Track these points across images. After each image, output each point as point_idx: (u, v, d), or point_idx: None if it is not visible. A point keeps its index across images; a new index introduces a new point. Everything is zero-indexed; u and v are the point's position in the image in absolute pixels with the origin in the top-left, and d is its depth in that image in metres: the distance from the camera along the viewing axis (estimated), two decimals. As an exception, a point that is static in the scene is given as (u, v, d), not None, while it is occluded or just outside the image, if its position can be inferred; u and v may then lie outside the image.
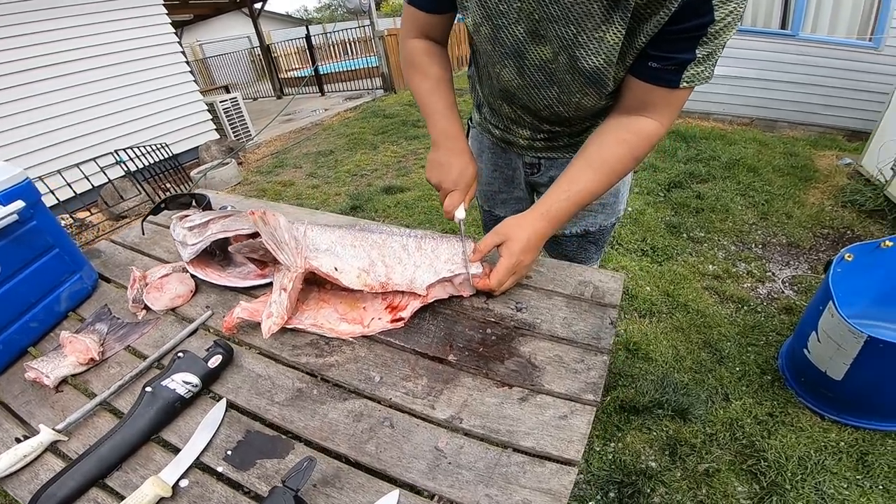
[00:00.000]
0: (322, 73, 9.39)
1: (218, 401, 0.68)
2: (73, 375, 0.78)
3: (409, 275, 0.80)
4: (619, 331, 2.01)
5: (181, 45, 5.22)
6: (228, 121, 5.88)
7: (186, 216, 0.99)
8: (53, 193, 3.62)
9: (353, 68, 9.15)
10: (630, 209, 3.04)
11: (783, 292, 2.27)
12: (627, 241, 2.71)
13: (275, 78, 10.09)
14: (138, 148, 4.17)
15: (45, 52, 4.02)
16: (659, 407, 1.63)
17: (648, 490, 1.40)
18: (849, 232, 2.75)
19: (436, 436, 0.60)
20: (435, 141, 0.91)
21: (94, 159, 3.82)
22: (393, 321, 0.77)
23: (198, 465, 0.61)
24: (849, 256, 1.64)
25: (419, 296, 0.79)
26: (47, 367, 0.75)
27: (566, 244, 1.16)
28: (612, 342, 0.73)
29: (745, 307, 2.16)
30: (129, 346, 0.83)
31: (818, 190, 3.25)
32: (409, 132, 5.33)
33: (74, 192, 3.76)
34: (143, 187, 3.97)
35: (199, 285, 0.94)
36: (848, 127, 4.41)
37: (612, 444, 1.55)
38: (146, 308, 0.91)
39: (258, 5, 9.69)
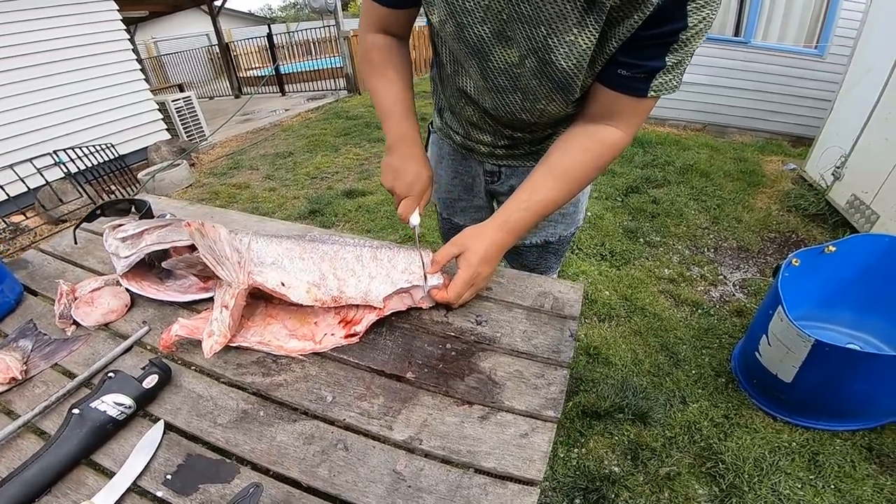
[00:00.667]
0: (284, 72, 9.16)
1: (155, 422, 0.63)
2: (-7, 396, 0.70)
3: (363, 287, 0.76)
4: (580, 335, 2.03)
5: (133, 41, 4.96)
6: (181, 120, 5.63)
7: (120, 225, 0.92)
8: (-16, 196, 3.36)
9: (316, 68, 8.98)
10: (589, 214, 3.09)
11: (734, 295, 2.36)
12: (587, 246, 2.75)
13: (233, 77, 9.78)
14: (81, 148, 3.92)
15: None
16: (620, 411, 1.64)
17: (613, 495, 1.41)
18: (793, 236, 2.89)
19: (394, 458, 0.57)
20: (389, 145, 0.89)
21: (30, 160, 3.56)
22: (347, 336, 0.73)
23: (135, 489, 0.56)
24: (796, 262, 1.71)
25: (375, 308, 0.75)
26: (-39, 389, 0.68)
27: (526, 254, 1.14)
28: (572, 355, 0.71)
29: (699, 310, 2.22)
30: (56, 364, 0.76)
31: (765, 195, 3.41)
32: (373, 134, 5.25)
33: (7, 194, 3.50)
34: (84, 190, 3.74)
35: (136, 299, 0.87)
36: (793, 133, 4.65)
37: (576, 450, 1.55)
38: (76, 324, 0.83)
39: (217, 2, 9.37)
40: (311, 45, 9.90)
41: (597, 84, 0.73)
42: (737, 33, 4.65)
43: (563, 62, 0.68)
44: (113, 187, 4.09)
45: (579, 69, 0.68)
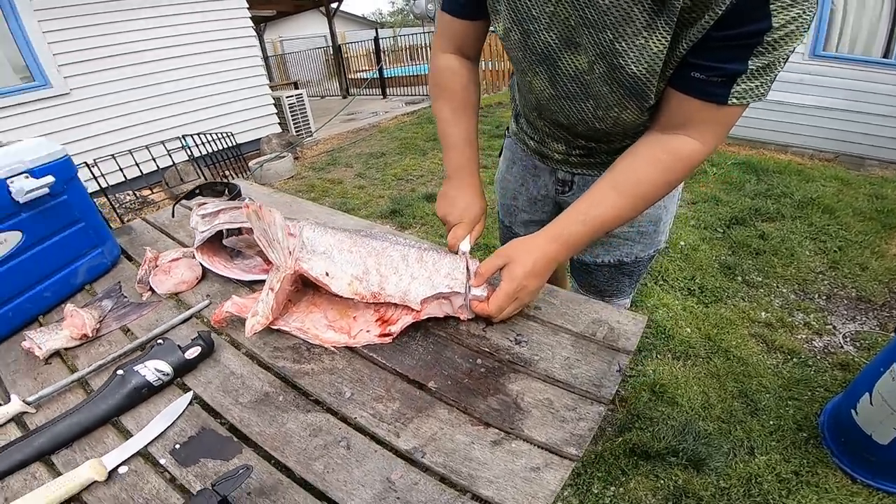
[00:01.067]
0: (387, 76, 9.59)
1: (185, 392, 0.67)
2: (65, 349, 0.78)
3: (403, 286, 0.75)
4: (647, 370, 1.88)
5: (261, 39, 5.48)
6: (292, 116, 6.11)
7: (204, 204, 1.00)
8: (122, 171, 3.87)
9: (416, 73, 9.29)
10: (682, 244, 2.86)
11: (842, 347, 2.05)
12: (674, 278, 2.54)
13: (343, 77, 10.40)
14: (205, 135, 4.39)
15: (130, 40, 4.34)
16: (673, 455, 1.49)
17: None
18: (933, 292, 2.45)
19: (391, 466, 0.55)
20: (448, 175, 0.91)
21: (162, 142, 4.06)
22: (381, 336, 0.73)
23: (143, 453, 0.59)
24: (926, 320, 1.45)
25: (412, 310, 0.75)
26: (42, 339, 0.77)
27: (597, 274, 1.07)
28: (615, 392, 0.65)
29: (795, 359, 1.96)
30: (125, 326, 0.84)
31: (902, 240, 2.93)
32: (461, 141, 5.32)
33: (141, 171, 4.01)
34: (202, 172, 4.17)
35: (207, 273, 0.95)
36: (949, 169, 3.96)
37: (613, 489, 1.43)
38: (151, 290, 0.92)
39: (334, 5, 10.02)
40: (412, 50, 10.26)
41: (669, 88, 0.66)
42: (887, 54, 4.05)
43: (633, 67, 0.63)
44: (227, 172, 4.53)
45: (651, 74, 0.63)
